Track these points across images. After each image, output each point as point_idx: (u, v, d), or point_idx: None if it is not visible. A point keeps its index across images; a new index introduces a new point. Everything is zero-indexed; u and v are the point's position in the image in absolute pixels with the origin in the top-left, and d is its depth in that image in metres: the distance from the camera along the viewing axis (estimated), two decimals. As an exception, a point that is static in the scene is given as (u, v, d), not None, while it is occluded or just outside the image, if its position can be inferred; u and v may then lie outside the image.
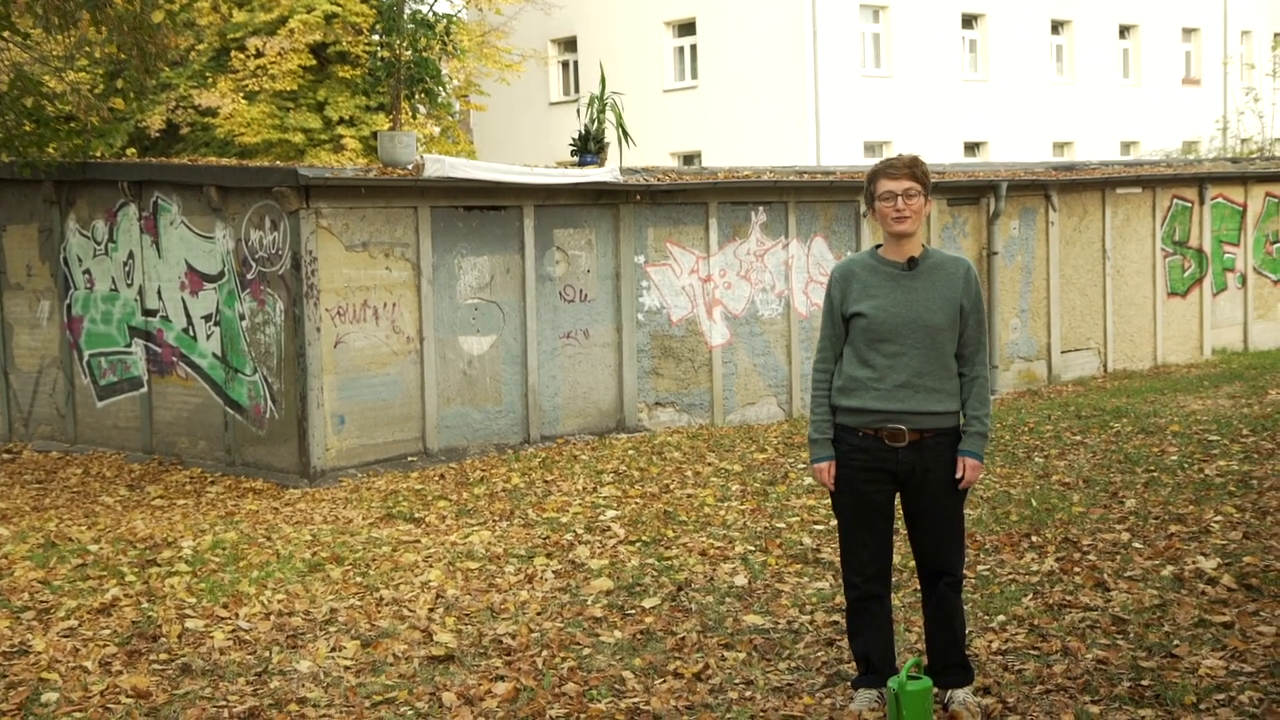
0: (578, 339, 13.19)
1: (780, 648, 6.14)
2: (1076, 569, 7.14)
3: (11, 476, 12.57)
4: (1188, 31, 37.97)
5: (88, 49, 13.45)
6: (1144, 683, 5.33)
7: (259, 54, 26.77)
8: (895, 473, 5.07)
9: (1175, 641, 5.81)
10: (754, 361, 14.44)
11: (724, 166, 15.87)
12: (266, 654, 6.39)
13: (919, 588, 5.46)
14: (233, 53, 27.40)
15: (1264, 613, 6.14)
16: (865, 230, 15.07)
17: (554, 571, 7.80)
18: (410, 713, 5.46)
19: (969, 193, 16.16)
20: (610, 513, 9.33)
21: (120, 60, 13.50)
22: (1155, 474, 9.59)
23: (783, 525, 8.69)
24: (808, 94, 29.49)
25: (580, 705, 5.44)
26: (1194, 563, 7.05)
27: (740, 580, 7.36)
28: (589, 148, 13.71)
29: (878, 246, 5.19)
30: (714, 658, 6.02)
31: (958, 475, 5.11)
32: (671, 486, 10.30)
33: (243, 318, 11.99)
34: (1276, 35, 38.61)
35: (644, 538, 8.51)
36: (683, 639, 6.32)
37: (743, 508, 9.33)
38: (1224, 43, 38.34)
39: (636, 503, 9.70)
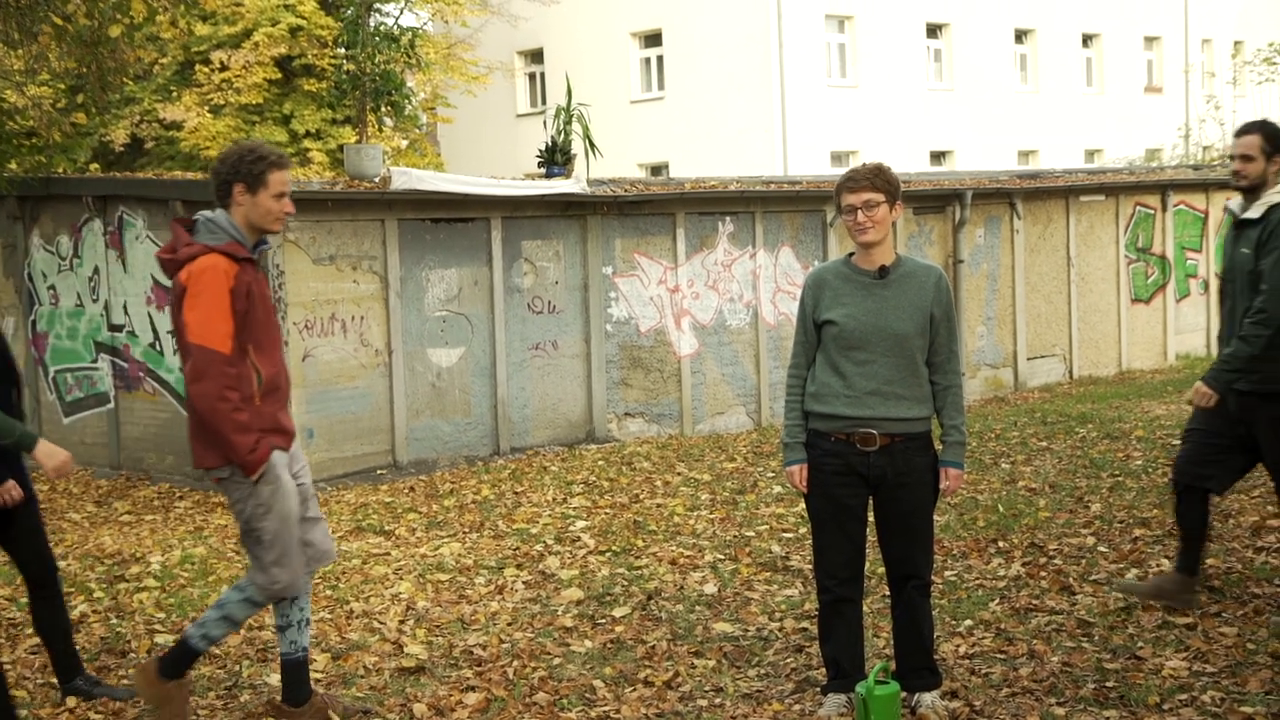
0: (546, 350, 13.21)
1: (750, 655, 6.17)
2: (1042, 573, 7.21)
3: (-23, 494, 12.46)
4: (1149, 40, 38.31)
5: (46, 63, 13.37)
6: (1109, 684, 5.39)
7: (224, 67, 26.68)
8: (867, 477, 5.11)
9: (1139, 643, 5.87)
10: (722, 371, 14.49)
11: (691, 177, 15.93)
12: (236, 668, 6.37)
13: (887, 594, 5.50)
14: (197, 66, 27.30)
15: (1226, 614, 6.22)
16: (832, 240, 15.15)
17: (524, 582, 7.81)
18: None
19: (934, 201, 16.27)
20: (580, 523, 9.35)
21: (80, 75, 13.45)
22: (1120, 479, 9.68)
23: (752, 534, 8.73)
24: (774, 104, 29.62)
25: (551, 714, 5.46)
26: (1158, 565, 7.12)
27: (710, 588, 7.39)
28: (556, 159, 13.74)
29: (851, 254, 5.24)
30: (684, 665, 6.04)
31: (942, 485, 5.17)
32: (641, 496, 10.32)
33: (210, 332, 11.94)
34: (1237, 44, 39.00)
35: (614, 547, 8.54)
36: (653, 647, 6.35)
37: (712, 517, 9.36)
38: (1185, 51, 38.71)
39: (606, 513, 9.72)
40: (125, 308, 12.90)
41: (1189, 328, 19.51)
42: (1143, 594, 6.43)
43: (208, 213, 5.23)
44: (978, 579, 7.22)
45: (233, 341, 5.03)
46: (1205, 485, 6.34)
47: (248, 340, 5.11)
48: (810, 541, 5.77)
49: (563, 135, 13.93)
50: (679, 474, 11.23)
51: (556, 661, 6.21)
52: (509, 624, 6.93)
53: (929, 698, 5.21)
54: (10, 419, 4.80)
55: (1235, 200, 6.34)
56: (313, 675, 6.15)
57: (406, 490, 11.21)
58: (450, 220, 12.54)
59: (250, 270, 5.17)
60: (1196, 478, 6.32)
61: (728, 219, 14.49)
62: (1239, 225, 6.23)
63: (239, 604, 5.29)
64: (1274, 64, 30.30)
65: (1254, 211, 6.11)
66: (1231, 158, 6.25)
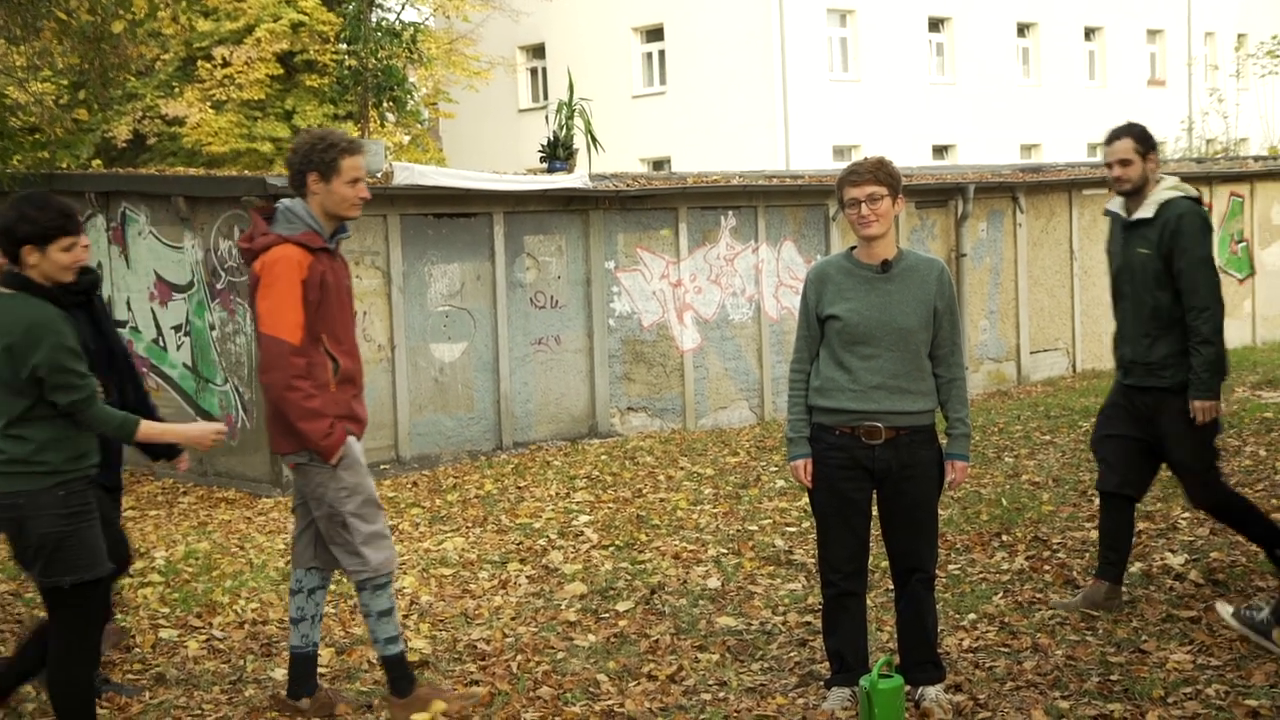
0: (549, 345, 13.21)
1: (753, 649, 6.18)
2: (1046, 567, 7.21)
3: (-19, 490, 12.47)
4: (1152, 33, 38.25)
5: (49, 59, 13.39)
6: (1113, 677, 5.39)
7: (226, 63, 26.65)
8: (872, 470, 5.11)
9: (1143, 637, 5.87)
10: (725, 366, 14.48)
11: (693, 172, 15.92)
12: (241, 663, 6.38)
13: (891, 588, 5.51)
14: (199, 62, 27.27)
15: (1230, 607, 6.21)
16: (835, 233, 15.14)
17: (528, 577, 7.82)
18: (385, 718, 5.47)
19: (937, 195, 16.25)
20: (583, 518, 9.35)
21: (82, 71, 13.46)
22: (1123, 472, 9.65)
23: (755, 528, 8.73)
24: (776, 98, 29.59)
25: (555, 709, 5.46)
26: (1162, 559, 7.12)
27: (713, 583, 7.39)
28: (558, 154, 13.74)
29: (852, 248, 5.24)
30: (687, 659, 6.05)
31: (948, 477, 5.17)
32: (644, 491, 10.33)
33: (213, 328, 11.97)
34: (1240, 36, 38.95)
35: (617, 542, 8.54)
36: (656, 641, 6.35)
37: (715, 511, 9.37)
38: (1188, 44, 38.64)
39: (609, 507, 9.73)
40: (128, 304, 12.90)
41: (1192, 321, 19.45)
42: (1074, 608, 6.41)
43: (287, 201, 5.26)
44: (981, 573, 7.22)
45: (303, 331, 5.08)
46: (1127, 492, 6.39)
47: (322, 329, 5.16)
48: (814, 535, 5.77)
49: (565, 130, 13.93)
50: (682, 468, 11.24)
51: (560, 656, 6.22)
52: (512, 618, 6.93)
53: (933, 691, 5.21)
54: (109, 410, 4.80)
55: (1115, 202, 6.40)
56: (318, 670, 6.17)
57: (409, 485, 11.22)
58: (452, 215, 12.53)
59: (326, 260, 5.22)
60: (1120, 485, 6.36)
61: (730, 213, 14.48)
62: (1129, 226, 6.26)
63: (372, 596, 5.32)
64: (1277, 56, 30.24)
65: (1145, 211, 6.17)
66: (1108, 165, 6.29)
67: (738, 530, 8.70)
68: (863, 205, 5.05)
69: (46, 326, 4.61)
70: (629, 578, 7.62)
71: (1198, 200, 6.23)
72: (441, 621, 6.94)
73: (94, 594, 4.79)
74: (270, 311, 5.07)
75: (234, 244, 11.65)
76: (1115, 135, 6.25)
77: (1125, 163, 6.18)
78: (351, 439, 5.25)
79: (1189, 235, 6.05)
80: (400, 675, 5.40)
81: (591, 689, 5.71)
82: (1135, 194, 6.23)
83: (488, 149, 33.76)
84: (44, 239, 4.77)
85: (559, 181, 13.12)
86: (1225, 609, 5.78)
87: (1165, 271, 6.09)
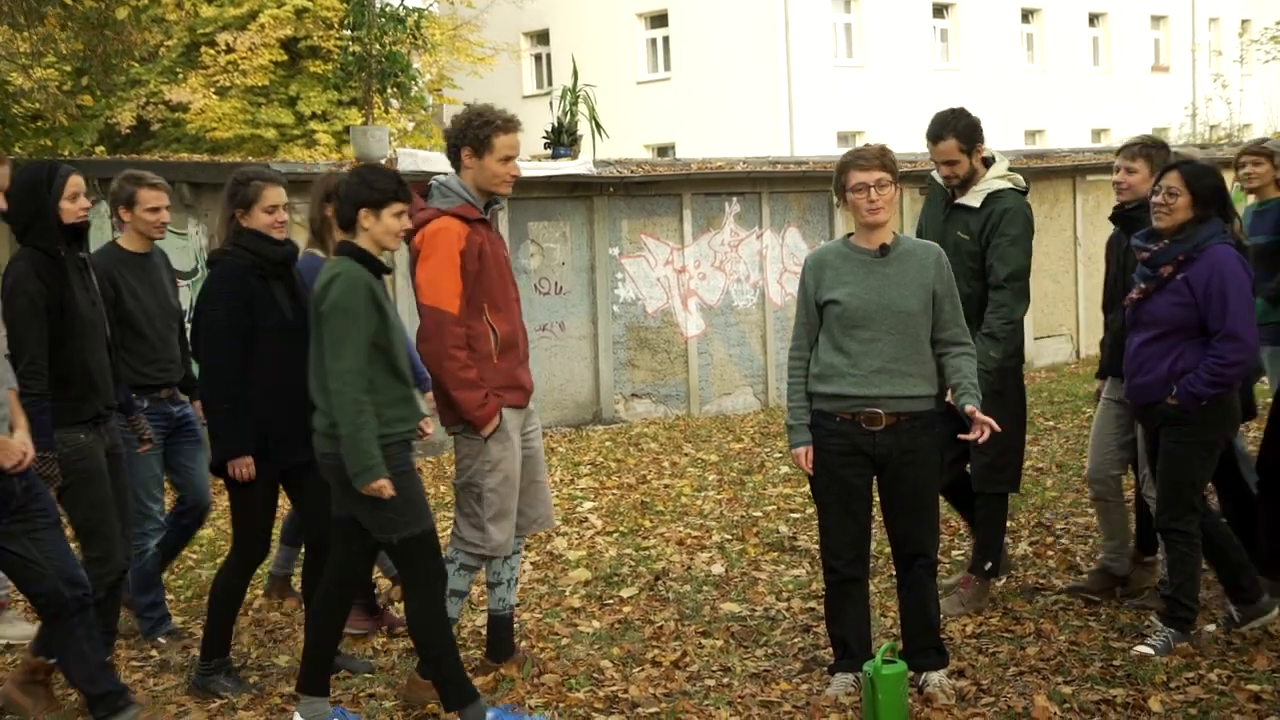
0: (553, 331, 13.21)
1: (757, 635, 6.19)
2: (1050, 552, 7.23)
3: (-14, 476, 12.48)
4: (1156, 19, 38.16)
5: (53, 45, 13.38)
6: (1115, 662, 5.40)
7: (229, 49, 26.62)
8: (873, 456, 5.12)
9: (1146, 622, 5.88)
10: (729, 352, 14.48)
11: (697, 158, 15.90)
12: (245, 650, 6.40)
13: (894, 574, 5.52)
14: (203, 48, 27.24)
15: (1233, 593, 6.21)
16: (839, 220, 15.13)
17: (532, 563, 7.83)
18: (390, 705, 5.49)
19: (941, 181, 16.21)
20: (588, 504, 9.37)
21: (86, 57, 13.46)
22: (1127, 458, 9.66)
23: (759, 514, 8.74)
24: (780, 85, 29.54)
25: (559, 694, 5.48)
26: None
27: (717, 569, 7.41)
28: (562, 140, 13.72)
29: (850, 235, 5.25)
30: (691, 645, 6.06)
31: (973, 435, 5.02)
32: (648, 477, 10.34)
33: (217, 314, 11.96)
34: (1244, 22, 38.84)
35: (621, 528, 8.56)
36: (660, 627, 6.37)
37: (719, 497, 9.38)
38: (1192, 30, 38.54)
39: (614, 494, 9.74)
40: (132, 290, 12.89)
41: (1196, 307, 19.44)
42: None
43: (442, 176, 5.36)
44: (985, 559, 7.22)
45: (461, 301, 5.16)
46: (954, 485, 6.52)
47: (483, 299, 5.24)
48: (817, 522, 5.79)
49: (569, 116, 13.91)
50: (686, 455, 11.25)
51: (564, 642, 6.23)
52: (516, 605, 6.93)
53: (936, 677, 5.22)
54: (365, 448, 4.82)
55: (939, 174, 6.35)
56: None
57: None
58: (456, 202, 12.51)
59: (483, 231, 5.29)
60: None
61: (734, 200, 14.47)
62: (953, 206, 6.27)
63: (457, 574, 5.40)
64: (1281, 42, 30.19)
65: (972, 199, 6.19)
66: (937, 164, 6.27)
67: (742, 516, 8.72)
68: (871, 190, 5.05)
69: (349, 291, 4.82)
70: (633, 564, 7.63)
71: (1024, 192, 6.24)
72: (446, 607, 6.95)
73: (421, 546, 4.96)
74: (429, 281, 5.16)
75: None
76: (939, 135, 6.19)
77: (951, 163, 6.19)
78: (510, 415, 5.31)
79: (1010, 235, 6.08)
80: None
81: (595, 675, 5.72)
82: (964, 185, 6.23)
83: (492, 135, 33.67)
84: (379, 204, 4.93)
85: (563, 168, 13.10)
86: (1209, 629, 5.76)
87: (982, 261, 6.12)
